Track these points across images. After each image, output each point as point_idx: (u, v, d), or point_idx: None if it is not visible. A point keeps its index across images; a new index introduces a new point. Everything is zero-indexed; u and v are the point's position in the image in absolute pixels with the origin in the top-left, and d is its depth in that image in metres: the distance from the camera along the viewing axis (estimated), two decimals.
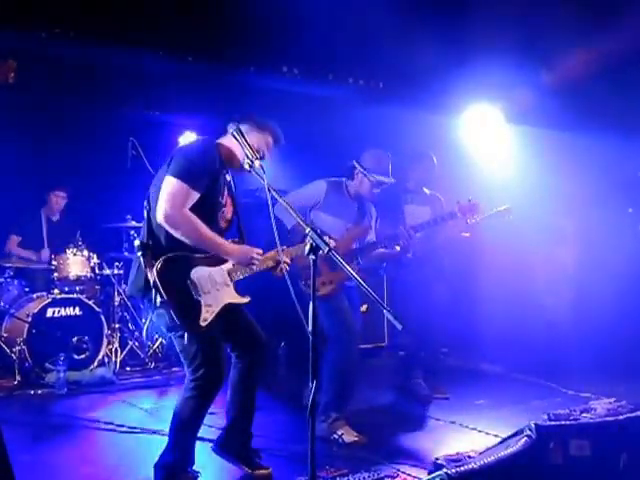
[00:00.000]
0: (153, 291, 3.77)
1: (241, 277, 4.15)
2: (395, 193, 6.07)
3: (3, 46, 6.78)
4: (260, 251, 4.10)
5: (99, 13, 6.22)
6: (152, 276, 3.78)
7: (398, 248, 5.43)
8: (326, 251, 3.37)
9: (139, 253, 3.87)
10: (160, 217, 3.80)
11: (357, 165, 5.27)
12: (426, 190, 6.32)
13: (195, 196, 3.83)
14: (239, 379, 4.27)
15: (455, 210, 5.63)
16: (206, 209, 3.94)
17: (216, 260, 4.05)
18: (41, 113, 7.66)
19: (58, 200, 7.82)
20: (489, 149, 7.91)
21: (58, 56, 6.84)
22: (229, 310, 4.04)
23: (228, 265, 4.11)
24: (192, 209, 3.84)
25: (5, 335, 6.86)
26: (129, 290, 4.12)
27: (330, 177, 5.41)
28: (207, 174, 3.89)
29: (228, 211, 4.16)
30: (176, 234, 3.83)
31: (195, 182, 3.83)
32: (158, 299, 3.76)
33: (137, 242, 3.93)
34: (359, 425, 5.12)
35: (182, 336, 3.90)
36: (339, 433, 4.99)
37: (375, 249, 5.36)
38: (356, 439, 4.96)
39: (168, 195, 3.81)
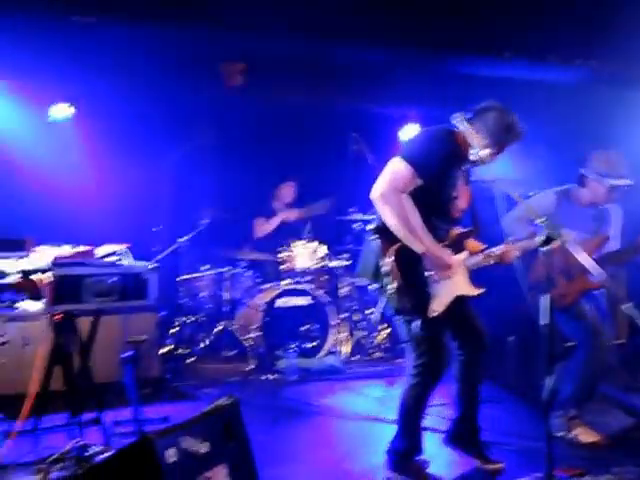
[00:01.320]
0: (385, 276, 3.81)
1: (474, 267, 4.11)
2: None
3: (233, 50, 7.16)
4: (451, 263, 3.95)
5: (318, 10, 6.39)
6: (386, 262, 3.81)
7: None
8: (561, 241, 3.27)
9: (374, 237, 3.90)
10: (375, 193, 3.80)
11: (587, 173, 4.87)
12: None
13: (417, 183, 3.79)
14: (461, 370, 4.22)
15: None
16: (437, 199, 3.92)
17: (452, 249, 4.02)
18: (267, 111, 7.99)
19: (289, 191, 8.12)
20: None
21: (282, 55, 7.11)
22: (457, 300, 4.00)
23: (463, 255, 4.08)
24: (422, 198, 3.82)
25: (240, 323, 7.26)
26: (359, 273, 4.12)
27: (556, 185, 5.09)
28: (438, 163, 3.83)
29: (462, 202, 4.08)
30: (383, 214, 3.82)
31: (422, 169, 3.78)
32: (390, 285, 3.79)
33: (371, 226, 3.95)
34: (596, 425, 4.89)
35: (409, 321, 3.92)
36: (575, 432, 4.77)
37: (619, 256, 4.97)
38: (595, 439, 4.71)
39: (391, 174, 3.81)
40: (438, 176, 3.85)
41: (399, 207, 3.77)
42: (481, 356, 4.20)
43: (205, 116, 7.77)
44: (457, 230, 4.18)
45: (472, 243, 4.24)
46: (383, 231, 3.87)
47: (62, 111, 7.54)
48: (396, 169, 3.81)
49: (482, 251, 4.18)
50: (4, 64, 6.49)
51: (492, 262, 4.14)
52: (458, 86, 7.40)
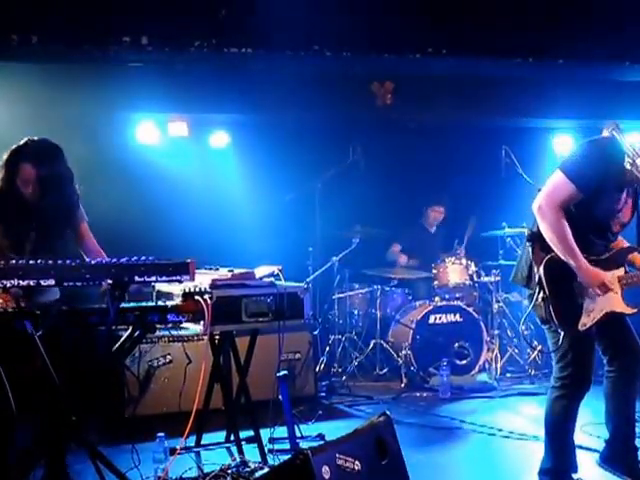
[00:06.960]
0: (537, 285, 3.78)
1: (636, 284, 3.97)
2: None
3: (382, 70, 7.26)
4: (604, 280, 3.80)
5: (466, 28, 6.38)
6: (538, 270, 3.78)
7: None
8: None
9: (528, 243, 3.88)
10: (535, 204, 3.80)
11: None
12: None
13: (577, 196, 3.74)
14: (611, 387, 4.06)
15: None
16: (599, 212, 3.83)
17: (608, 264, 3.91)
18: (416, 128, 8.05)
19: (436, 215, 8.13)
20: None
21: (429, 73, 7.14)
22: (608, 316, 3.87)
23: (620, 271, 3.96)
24: (583, 211, 3.78)
25: (392, 340, 7.33)
26: (513, 277, 4.11)
27: None
28: (599, 177, 3.74)
29: (625, 215, 3.93)
30: (540, 226, 3.79)
31: (582, 183, 3.72)
32: (540, 295, 3.76)
33: (527, 231, 3.95)
34: None
35: (556, 331, 3.84)
36: None
37: None
38: None
39: (551, 187, 3.79)
40: (601, 190, 3.77)
41: (556, 224, 3.73)
42: (634, 371, 4.03)
43: (355, 136, 7.90)
44: (619, 244, 4.06)
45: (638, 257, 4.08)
46: (537, 238, 3.84)
47: (220, 139, 7.91)
48: (556, 181, 3.79)
49: None
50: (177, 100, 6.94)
51: None
52: (610, 94, 7.19)
